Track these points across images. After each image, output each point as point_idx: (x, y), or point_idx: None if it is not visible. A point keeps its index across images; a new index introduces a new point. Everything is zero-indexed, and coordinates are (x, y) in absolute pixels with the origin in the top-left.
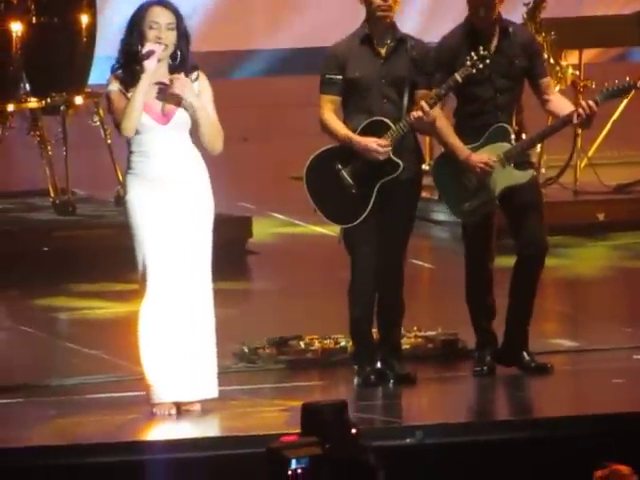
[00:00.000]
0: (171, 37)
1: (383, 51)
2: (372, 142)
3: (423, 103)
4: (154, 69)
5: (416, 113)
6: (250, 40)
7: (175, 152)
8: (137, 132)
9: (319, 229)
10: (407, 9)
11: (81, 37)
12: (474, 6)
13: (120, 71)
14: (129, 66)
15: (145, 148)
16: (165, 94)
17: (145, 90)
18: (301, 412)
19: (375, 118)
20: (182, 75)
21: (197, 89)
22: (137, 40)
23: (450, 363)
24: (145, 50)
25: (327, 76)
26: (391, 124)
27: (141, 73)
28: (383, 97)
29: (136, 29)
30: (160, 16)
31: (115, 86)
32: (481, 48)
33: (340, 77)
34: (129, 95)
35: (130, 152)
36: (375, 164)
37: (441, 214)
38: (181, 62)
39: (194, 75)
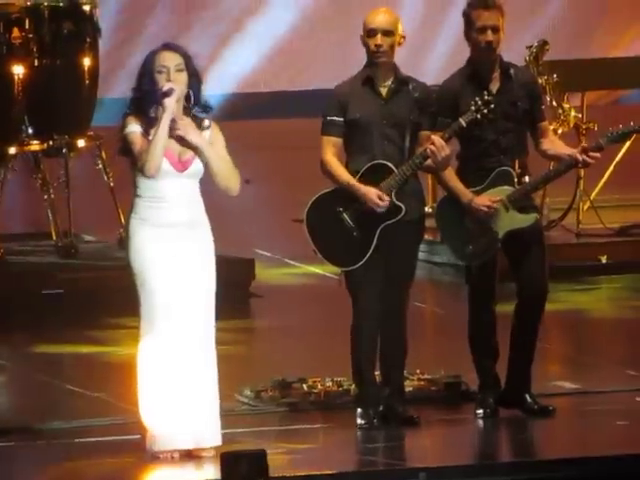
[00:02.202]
0: (181, 79)
1: (384, 92)
2: (373, 193)
3: (435, 137)
4: (174, 107)
5: (433, 146)
6: (253, 82)
7: (185, 200)
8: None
9: (321, 271)
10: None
11: (83, 79)
12: (475, 45)
13: (136, 114)
14: (144, 110)
15: (157, 194)
16: (180, 139)
17: (167, 128)
18: (220, 461)
19: (377, 161)
20: (186, 118)
21: (209, 137)
22: (149, 86)
23: (453, 405)
24: (165, 88)
25: (329, 118)
26: (394, 168)
27: (161, 113)
28: (384, 139)
29: (147, 75)
30: (167, 60)
31: (135, 127)
32: (485, 93)
33: (342, 119)
34: (150, 137)
35: (137, 196)
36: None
37: (444, 256)
38: (194, 102)
39: (206, 123)
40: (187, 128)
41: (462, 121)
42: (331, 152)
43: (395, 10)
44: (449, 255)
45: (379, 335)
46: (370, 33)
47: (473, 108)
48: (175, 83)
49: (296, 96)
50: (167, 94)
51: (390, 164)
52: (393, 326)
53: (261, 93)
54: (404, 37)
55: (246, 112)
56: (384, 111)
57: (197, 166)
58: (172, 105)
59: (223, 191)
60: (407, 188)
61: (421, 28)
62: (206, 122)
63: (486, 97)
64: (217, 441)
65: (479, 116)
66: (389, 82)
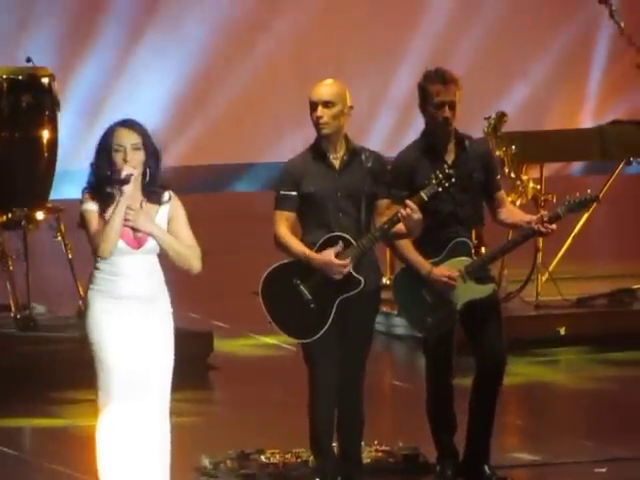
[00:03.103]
0: (138, 157)
1: (337, 164)
2: (331, 259)
3: (408, 201)
4: (131, 192)
5: (404, 211)
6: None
7: (144, 274)
8: None
9: (279, 342)
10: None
11: (42, 152)
12: (431, 120)
13: (92, 191)
14: (101, 189)
15: (114, 269)
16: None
17: (122, 213)
18: None
19: (335, 234)
20: (137, 204)
21: (169, 212)
22: (106, 163)
23: (411, 477)
24: (124, 174)
25: (282, 192)
26: (352, 240)
27: (116, 196)
28: (339, 211)
29: (104, 153)
30: (124, 138)
31: (90, 205)
32: (446, 166)
33: (295, 193)
34: (106, 215)
35: (96, 269)
36: (335, 279)
37: (401, 328)
38: (150, 181)
39: (165, 197)
40: (138, 218)
41: (423, 195)
42: (284, 226)
43: (346, 80)
44: (407, 327)
45: (336, 407)
46: (311, 106)
47: (434, 182)
48: (131, 162)
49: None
50: (125, 181)
51: (347, 236)
52: (350, 398)
53: (213, 165)
54: (352, 107)
55: (199, 184)
56: (338, 183)
57: (152, 243)
58: (129, 190)
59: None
60: (364, 260)
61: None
62: (165, 196)
63: (447, 170)
64: None
65: (440, 189)
66: (341, 153)
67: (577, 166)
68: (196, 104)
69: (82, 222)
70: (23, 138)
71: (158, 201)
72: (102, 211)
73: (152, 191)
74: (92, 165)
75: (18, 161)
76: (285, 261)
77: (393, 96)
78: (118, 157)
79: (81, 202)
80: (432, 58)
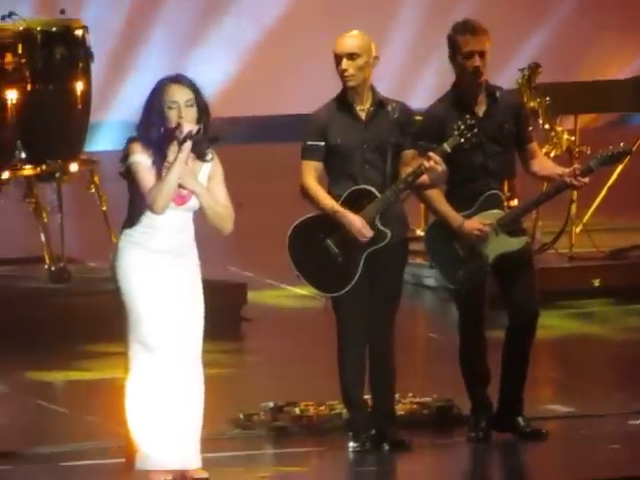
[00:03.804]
0: (191, 114)
1: (363, 116)
2: (358, 223)
3: (432, 153)
4: (190, 148)
5: (428, 163)
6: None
7: (180, 229)
8: None
9: (311, 293)
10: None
11: (76, 104)
12: (461, 70)
13: (141, 143)
14: (152, 141)
15: (153, 222)
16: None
17: (181, 169)
18: None
19: (360, 187)
20: (191, 157)
21: (210, 170)
22: (158, 120)
23: (445, 429)
24: (185, 131)
25: (309, 143)
26: (377, 193)
27: (167, 153)
28: (365, 163)
29: (155, 109)
30: (177, 95)
31: (140, 157)
32: (467, 117)
33: (322, 144)
34: (162, 169)
35: (132, 220)
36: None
37: (432, 279)
38: (203, 138)
39: (209, 156)
40: (186, 176)
41: (446, 146)
42: (312, 177)
43: (383, 34)
44: (438, 278)
45: (367, 359)
46: (336, 59)
47: (456, 133)
48: (185, 120)
49: (279, 121)
50: (187, 138)
51: (373, 189)
52: (381, 350)
53: (245, 117)
54: (377, 57)
55: (234, 136)
56: (364, 135)
57: (194, 201)
58: (189, 147)
59: (217, 229)
60: (390, 212)
61: (410, 53)
62: (209, 155)
63: (469, 121)
64: (198, 464)
65: (463, 140)
66: (367, 105)
67: (612, 117)
68: (230, 54)
69: (130, 174)
70: (57, 90)
71: (203, 158)
72: (153, 165)
73: (202, 149)
74: (145, 120)
75: (52, 113)
76: (311, 215)
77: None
78: (172, 114)
79: (128, 153)
80: (470, 11)
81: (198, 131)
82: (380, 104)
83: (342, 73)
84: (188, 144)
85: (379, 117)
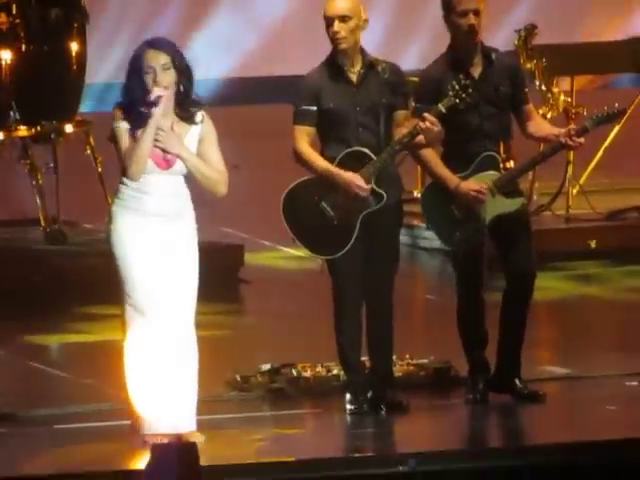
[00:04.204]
0: (168, 78)
1: (354, 79)
2: (354, 178)
3: (426, 114)
4: (161, 113)
5: (423, 124)
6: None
7: (170, 193)
8: None
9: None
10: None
11: (71, 65)
12: (456, 30)
13: (124, 108)
14: (134, 109)
15: (142, 187)
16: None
17: (153, 135)
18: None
19: (355, 149)
20: (167, 125)
21: (200, 132)
22: (138, 85)
23: (442, 391)
24: (153, 97)
25: (301, 107)
26: (371, 155)
27: (147, 118)
28: (359, 125)
29: (135, 74)
30: (153, 59)
31: (122, 123)
32: (462, 77)
33: (315, 108)
34: (137, 134)
35: (123, 184)
36: (357, 195)
37: (428, 241)
38: (183, 100)
39: (198, 118)
40: (168, 140)
41: (441, 107)
42: (305, 141)
43: None
44: (434, 239)
45: (366, 322)
46: (327, 21)
47: (451, 93)
48: (162, 83)
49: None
50: (154, 103)
51: (367, 151)
52: (381, 312)
53: (249, 78)
54: (367, 20)
55: (235, 97)
56: (356, 98)
57: (180, 165)
58: (159, 113)
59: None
60: (385, 174)
61: (401, 15)
62: (198, 116)
63: (463, 81)
64: (192, 426)
65: (458, 101)
66: (358, 67)
67: (608, 78)
68: (227, 16)
69: (113, 138)
70: (52, 51)
71: (191, 121)
72: (133, 129)
73: (185, 111)
74: (124, 86)
75: (47, 74)
76: (305, 178)
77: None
78: (149, 79)
79: (113, 118)
80: None
81: (157, 99)
82: (370, 66)
83: (334, 36)
84: (157, 110)
85: (370, 79)
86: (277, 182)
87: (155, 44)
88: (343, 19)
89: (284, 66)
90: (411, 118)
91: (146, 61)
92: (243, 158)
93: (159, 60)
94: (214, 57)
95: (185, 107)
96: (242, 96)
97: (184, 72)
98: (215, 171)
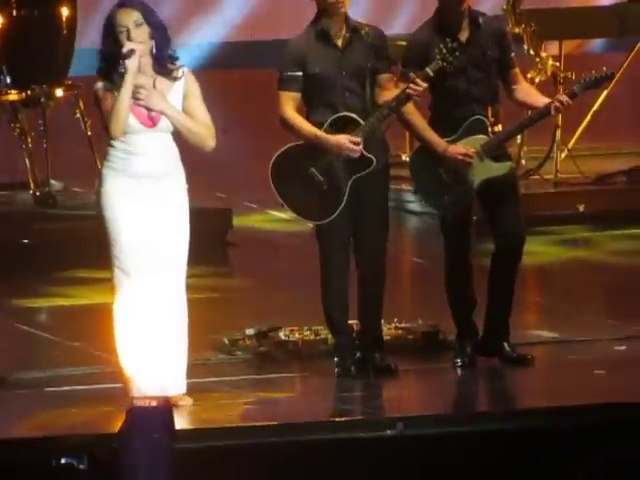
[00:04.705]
0: (141, 34)
1: (340, 43)
2: (344, 139)
3: (414, 77)
4: (137, 67)
5: (412, 88)
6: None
7: (158, 152)
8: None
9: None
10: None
11: (61, 30)
12: (445, 1)
13: (105, 71)
14: (111, 70)
15: (129, 147)
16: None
17: (130, 90)
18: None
19: (343, 114)
20: (149, 82)
21: (184, 88)
22: (113, 45)
23: (430, 355)
24: (125, 50)
25: (287, 73)
26: (359, 119)
27: (124, 74)
28: (345, 90)
29: (109, 35)
30: (124, 18)
31: (102, 84)
32: (448, 40)
33: (300, 73)
34: (116, 94)
35: (111, 146)
36: (347, 160)
37: (415, 204)
38: (159, 54)
39: (179, 72)
40: (151, 97)
41: (429, 70)
42: (291, 107)
43: None
44: (421, 203)
45: (358, 286)
46: None
47: (439, 57)
48: (136, 40)
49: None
50: (127, 56)
51: (355, 116)
52: (373, 278)
53: (243, 42)
54: None
55: (226, 61)
56: (342, 62)
57: (166, 122)
58: (134, 66)
59: (198, 148)
60: (372, 138)
61: None
62: (179, 72)
63: (450, 44)
64: (182, 389)
65: (445, 64)
66: (343, 32)
67: (596, 43)
68: None
69: (96, 101)
70: (42, 15)
71: (172, 77)
72: (114, 91)
73: (163, 67)
74: (100, 49)
75: (37, 39)
76: (292, 144)
77: None
78: (123, 37)
79: (95, 81)
80: None
81: (130, 52)
82: (354, 29)
83: (336, 1)
84: (131, 62)
85: (355, 43)
86: (263, 146)
87: (125, 3)
88: None
89: (269, 31)
90: (394, 81)
91: (118, 21)
92: (230, 122)
93: (131, 17)
94: (200, 22)
95: (163, 63)
96: (228, 61)
97: (157, 27)
98: (202, 125)
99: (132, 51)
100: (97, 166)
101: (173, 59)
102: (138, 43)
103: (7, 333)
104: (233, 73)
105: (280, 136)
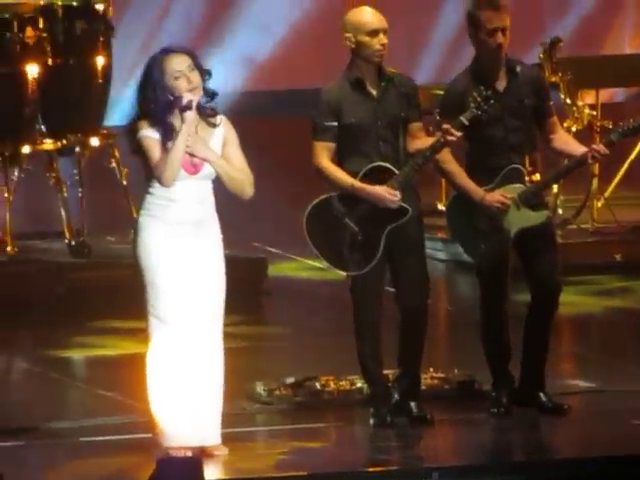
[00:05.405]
0: (196, 78)
1: (375, 93)
2: (383, 190)
3: (450, 128)
4: (193, 118)
5: (446, 137)
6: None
7: (198, 199)
8: None
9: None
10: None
11: (97, 78)
12: (483, 47)
13: (149, 119)
14: (159, 116)
15: (169, 194)
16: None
17: (186, 140)
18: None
19: (377, 163)
20: (193, 129)
21: (223, 135)
22: (163, 94)
23: (466, 404)
24: (185, 101)
25: (322, 123)
26: (394, 169)
27: (175, 124)
28: (379, 139)
29: (158, 83)
30: (179, 64)
31: (149, 132)
32: (482, 89)
33: (335, 124)
34: (168, 144)
35: (149, 194)
36: (382, 209)
37: (445, 253)
38: (205, 102)
39: (217, 120)
40: (195, 144)
41: (463, 119)
42: (326, 157)
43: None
44: (455, 252)
45: (400, 334)
46: (373, 33)
47: (473, 105)
48: (194, 83)
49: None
50: (187, 107)
51: (390, 165)
52: (416, 326)
53: (262, 91)
54: None
55: (252, 110)
56: (378, 112)
57: (208, 169)
58: (192, 117)
59: (237, 195)
60: (406, 187)
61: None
62: (217, 119)
63: (485, 92)
64: (217, 440)
65: (479, 113)
66: (377, 81)
67: (633, 92)
68: (251, 29)
69: (140, 149)
70: (77, 64)
71: (211, 124)
72: (162, 139)
73: (206, 112)
74: (145, 96)
75: (73, 87)
76: (325, 196)
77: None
78: (180, 83)
79: (136, 129)
80: None
81: (190, 103)
82: (388, 78)
83: (382, 47)
84: (190, 114)
85: (389, 92)
86: (294, 194)
87: (175, 49)
88: (385, 32)
89: (296, 79)
90: (424, 130)
91: (173, 66)
92: (259, 170)
93: (184, 62)
94: (228, 71)
95: (206, 110)
96: (254, 109)
97: (204, 71)
98: (241, 172)
99: (191, 102)
100: (132, 215)
101: (213, 95)
102: (193, 90)
103: (41, 382)
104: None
105: (312, 183)
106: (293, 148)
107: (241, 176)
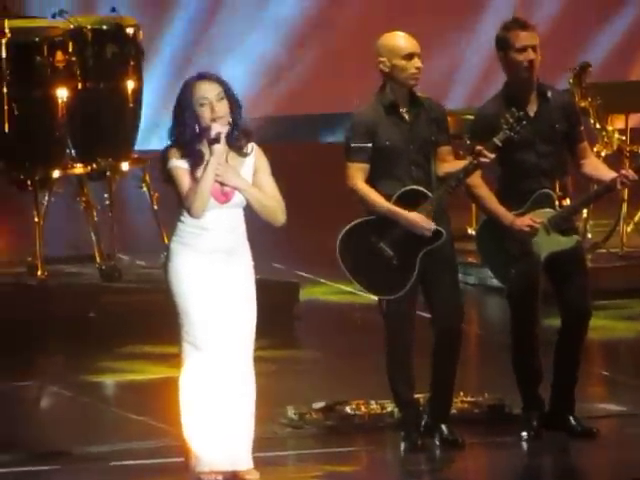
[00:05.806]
0: (223, 107)
1: (408, 117)
2: (419, 218)
3: (483, 150)
4: (223, 150)
5: (479, 159)
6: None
7: (229, 228)
8: None
9: (363, 294)
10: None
11: (127, 103)
12: (514, 66)
13: (178, 147)
14: (190, 146)
15: (201, 223)
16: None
17: (214, 172)
18: None
19: (413, 187)
20: (223, 158)
21: (254, 163)
22: (192, 120)
23: (497, 428)
24: (214, 134)
25: (356, 144)
26: (428, 193)
27: (205, 153)
28: (411, 163)
29: (187, 110)
30: (207, 91)
31: (178, 162)
32: (514, 110)
33: (370, 145)
34: (197, 173)
35: (181, 221)
36: (415, 233)
37: (474, 277)
38: (236, 131)
39: (249, 148)
40: (226, 173)
41: (496, 140)
42: (361, 178)
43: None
44: (485, 277)
45: (433, 357)
46: (408, 57)
47: (506, 127)
48: (218, 113)
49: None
50: (216, 140)
51: (423, 189)
52: (449, 349)
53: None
54: None
55: (279, 134)
56: (411, 136)
57: (239, 197)
58: (220, 149)
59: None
60: (438, 210)
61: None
62: (248, 148)
63: (517, 114)
64: (249, 464)
65: (512, 133)
66: (409, 104)
67: None
68: (287, 55)
69: (170, 179)
70: (108, 88)
71: (242, 153)
72: (191, 168)
73: (236, 142)
74: (176, 122)
75: (103, 112)
76: (359, 220)
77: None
78: (205, 111)
79: (167, 158)
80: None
81: (219, 136)
82: (419, 103)
83: (417, 71)
84: (219, 146)
85: (420, 117)
86: (323, 218)
87: (206, 75)
88: (420, 56)
89: (320, 105)
90: (453, 154)
91: (200, 92)
92: (292, 193)
93: (213, 90)
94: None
95: (237, 138)
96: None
97: (235, 102)
98: (273, 199)
99: (220, 134)
100: (163, 240)
101: (248, 135)
102: (221, 120)
103: (73, 407)
104: (297, 146)
105: (343, 206)
106: (305, 173)
107: (273, 204)
